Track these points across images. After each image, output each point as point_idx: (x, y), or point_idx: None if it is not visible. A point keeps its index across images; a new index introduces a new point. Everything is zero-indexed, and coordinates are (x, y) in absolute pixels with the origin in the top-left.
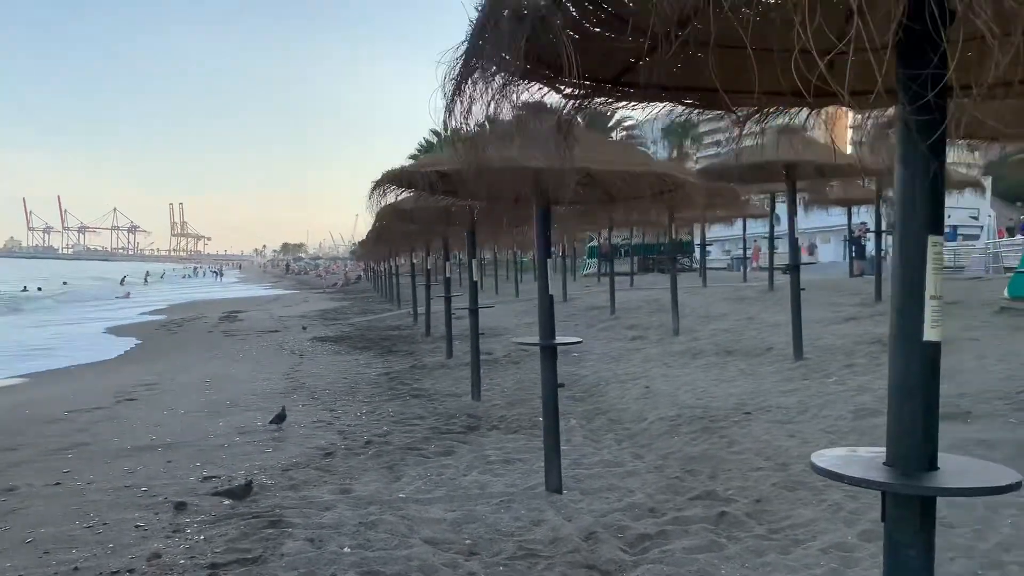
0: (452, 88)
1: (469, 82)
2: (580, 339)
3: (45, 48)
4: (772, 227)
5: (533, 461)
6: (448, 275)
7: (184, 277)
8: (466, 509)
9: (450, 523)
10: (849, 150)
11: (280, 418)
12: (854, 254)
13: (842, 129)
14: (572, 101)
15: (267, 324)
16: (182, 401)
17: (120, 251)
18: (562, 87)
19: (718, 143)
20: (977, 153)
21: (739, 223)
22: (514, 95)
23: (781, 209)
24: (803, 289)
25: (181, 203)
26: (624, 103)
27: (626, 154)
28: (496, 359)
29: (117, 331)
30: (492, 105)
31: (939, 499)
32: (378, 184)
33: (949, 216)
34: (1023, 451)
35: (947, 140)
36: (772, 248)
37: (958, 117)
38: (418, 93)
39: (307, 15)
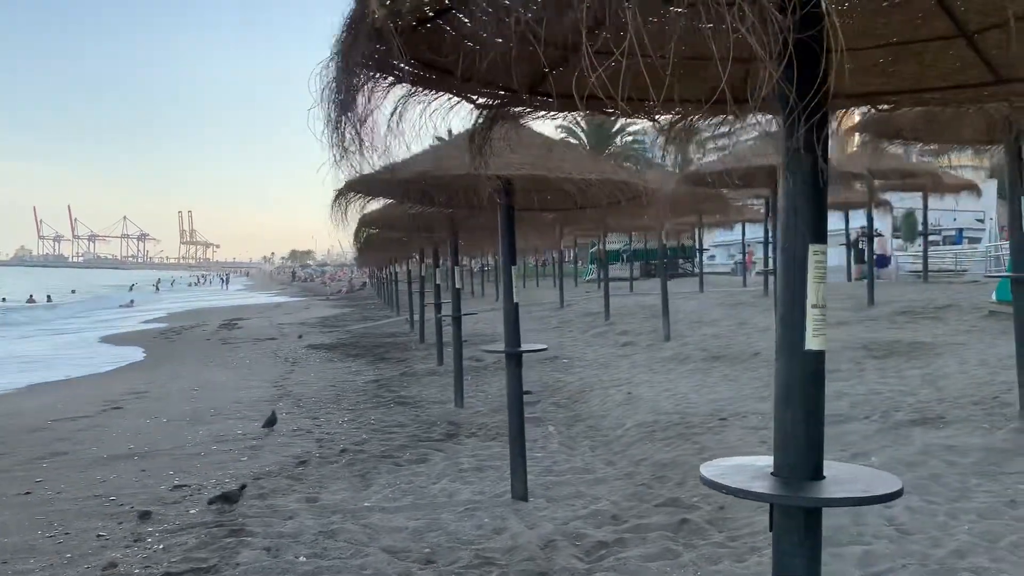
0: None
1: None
2: (545, 346)
3: (55, 58)
4: (767, 231)
5: (505, 469)
6: (438, 281)
7: (190, 285)
8: (431, 517)
9: (411, 531)
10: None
11: (271, 422)
12: (852, 258)
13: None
14: (486, 111)
15: (265, 332)
16: (167, 409)
17: (130, 259)
18: (474, 97)
19: (723, 148)
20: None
21: (742, 227)
22: (422, 104)
23: None
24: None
25: (190, 211)
26: (543, 113)
27: (593, 163)
28: (485, 365)
29: (115, 340)
30: (395, 118)
31: (899, 506)
32: (341, 193)
33: (955, 219)
34: (989, 457)
35: (829, 148)
36: (767, 253)
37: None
38: None
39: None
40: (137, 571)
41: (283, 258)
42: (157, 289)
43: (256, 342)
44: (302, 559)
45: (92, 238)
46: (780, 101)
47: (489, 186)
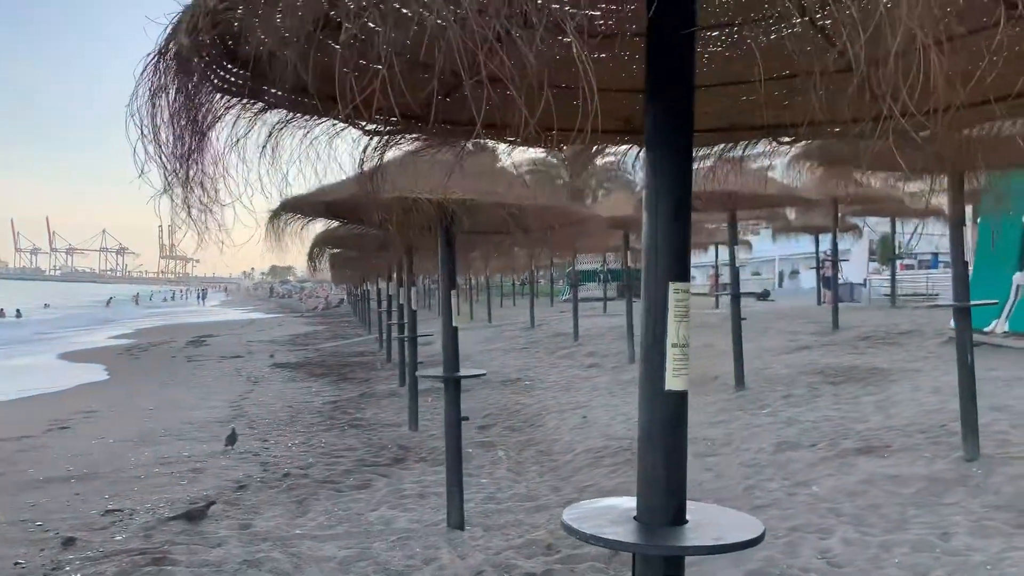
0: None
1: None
2: (484, 371)
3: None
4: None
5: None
6: (401, 301)
7: (164, 300)
8: (362, 546)
9: (339, 561)
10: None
11: (232, 440)
12: (822, 282)
13: None
14: (377, 138)
15: (233, 349)
16: (116, 429)
17: (108, 273)
18: (363, 123)
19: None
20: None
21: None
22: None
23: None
24: (744, 319)
25: (170, 225)
26: (440, 140)
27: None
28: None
29: (78, 356)
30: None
31: (834, 537)
32: (276, 214)
33: (935, 244)
34: (930, 487)
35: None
36: (736, 275)
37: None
38: None
39: None
40: None
41: (263, 274)
42: (136, 303)
43: (222, 360)
44: None
45: (70, 251)
46: (647, 136)
47: (380, 210)
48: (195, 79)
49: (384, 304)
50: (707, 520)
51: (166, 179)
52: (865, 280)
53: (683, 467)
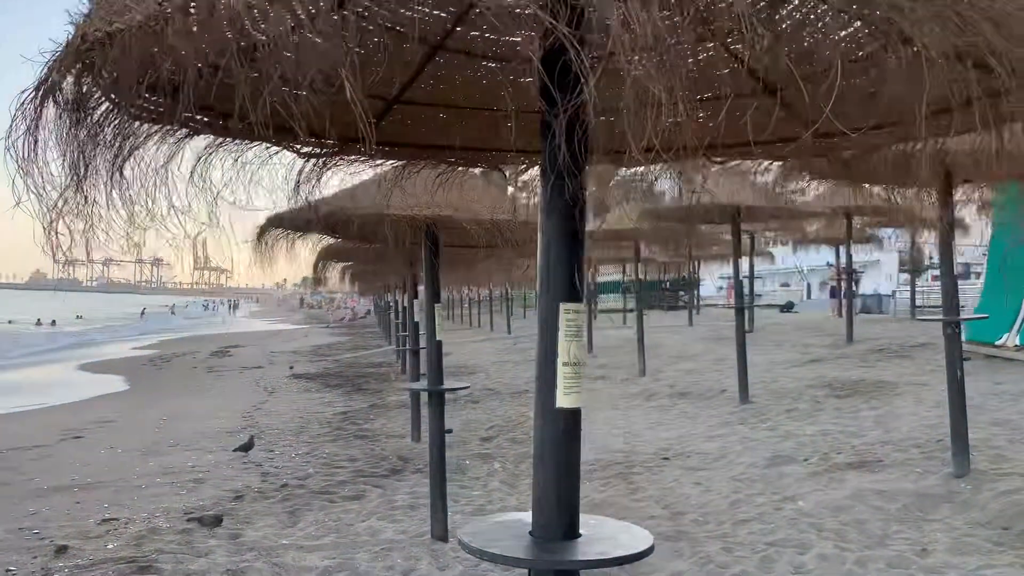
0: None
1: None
2: (468, 384)
3: None
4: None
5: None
6: (410, 311)
7: (202, 310)
8: (345, 557)
9: (320, 572)
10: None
11: (246, 447)
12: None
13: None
14: (312, 160)
15: (255, 360)
16: (127, 439)
17: (144, 284)
18: (297, 146)
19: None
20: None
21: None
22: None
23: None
24: (749, 331)
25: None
26: (380, 161)
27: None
28: (456, 398)
29: (100, 367)
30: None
31: (811, 552)
32: (263, 230)
33: (962, 253)
34: (917, 503)
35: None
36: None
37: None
38: None
39: None
40: None
41: (296, 285)
42: (173, 312)
43: (242, 371)
44: None
45: (107, 262)
46: (543, 161)
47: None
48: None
49: (401, 316)
50: (600, 534)
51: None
52: (893, 291)
53: (575, 482)
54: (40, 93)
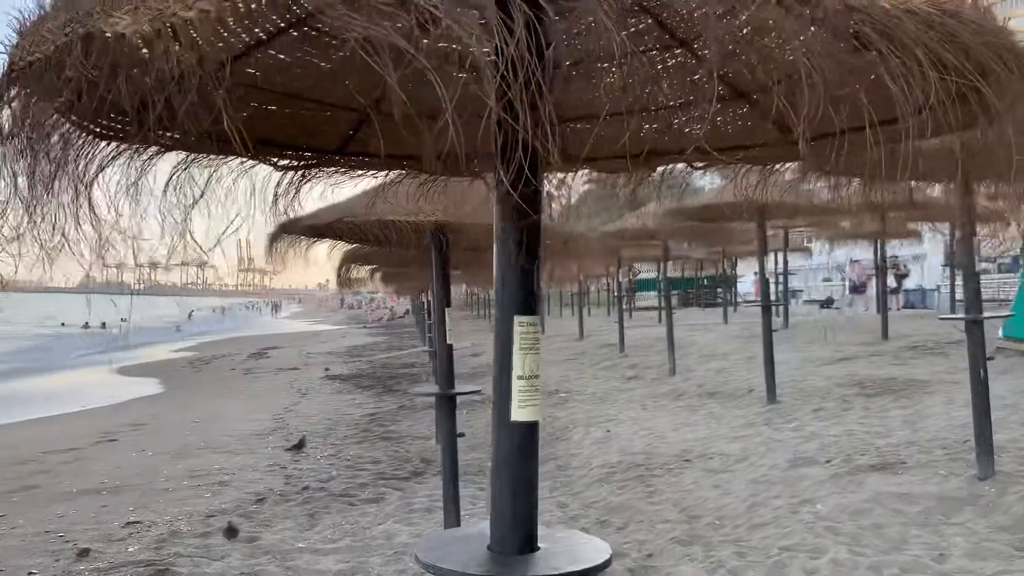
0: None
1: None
2: (479, 388)
3: None
4: (774, 262)
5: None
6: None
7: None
8: (359, 560)
9: (334, 575)
10: None
11: (299, 446)
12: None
13: None
14: (291, 173)
15: (291, 361)
16: (159, 442)
17: (189, 286)
18: (275, 160)
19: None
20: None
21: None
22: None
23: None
24: (775, 330)
25: (249, 239)
26: (360, 172)
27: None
28: (485, 399)
29: (141, 370)
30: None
31: (824, 557)
32: (274, 238)
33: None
34: (938, 506)
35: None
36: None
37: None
38: None
39: None
40: None
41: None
42: (221, 313)
43: (278, 372)
44: None
45: (154, 265)
46: (496, 174)
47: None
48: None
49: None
50: (558, 548)
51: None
52: (938, 286)
53: (533, 496)
54: None
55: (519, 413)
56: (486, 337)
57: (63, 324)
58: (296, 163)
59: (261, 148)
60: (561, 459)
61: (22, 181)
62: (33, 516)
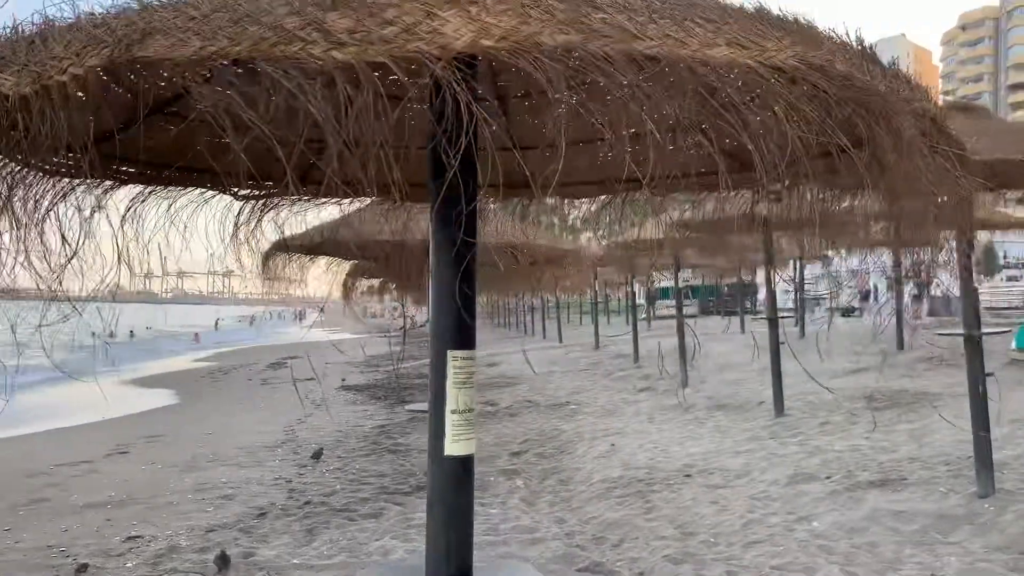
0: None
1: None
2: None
3: None
4: (769, 278)
5: None
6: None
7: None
8: None
9: None
10: None
11: (317, 455)
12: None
13: None
14: (252, 202)
15: (309, 372)
16: (169, 455)
17: (216, 295)
18: (235, 190)
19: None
20: None
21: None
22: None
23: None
24: (783, 343)
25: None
26: (323, 200)
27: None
28: (496, 411)
29: (158, 381)
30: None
31: None
32: (268, 255)
33: None
34: (936, 524)
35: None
36: (772, 298)
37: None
38: None
39: None
40: None
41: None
42: (251, 324)
43: (295, 382)
44: None
45: (180, 275)
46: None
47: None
48: None
49: None
50: None
51: None
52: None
53: (468, 527)
54: None
55: (452, 447)
56: (511, 345)
57: (93, 334)
58: (257, 192)
59: (219, 179)
60: (564, 473)
61: None
62: (38, 530)
